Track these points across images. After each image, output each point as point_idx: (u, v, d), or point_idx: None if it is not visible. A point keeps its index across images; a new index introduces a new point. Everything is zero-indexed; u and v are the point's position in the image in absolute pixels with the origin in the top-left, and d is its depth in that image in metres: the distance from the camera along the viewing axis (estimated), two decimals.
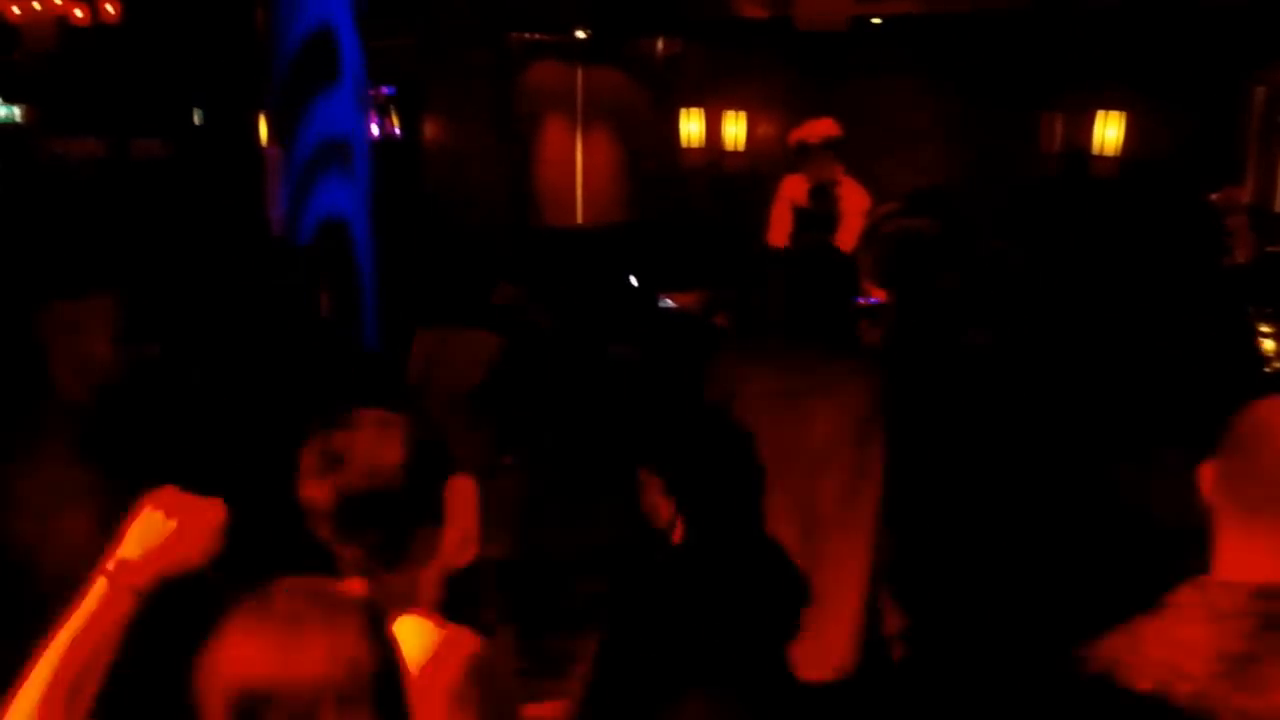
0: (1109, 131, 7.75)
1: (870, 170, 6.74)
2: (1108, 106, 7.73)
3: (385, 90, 9.49)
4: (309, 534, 1.91)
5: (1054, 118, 8.28)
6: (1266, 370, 4.94)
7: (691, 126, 9.32)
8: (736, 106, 9.10)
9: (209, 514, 1.79)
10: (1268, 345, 5.01)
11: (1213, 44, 7.37)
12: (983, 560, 3.51)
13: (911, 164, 8.17)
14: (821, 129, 6.36)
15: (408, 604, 1.82)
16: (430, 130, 9.44)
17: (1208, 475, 1.69)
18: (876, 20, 8.03)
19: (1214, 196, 6.71)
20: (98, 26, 8.97)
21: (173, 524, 1.74)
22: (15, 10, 8.66)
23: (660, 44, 9.84)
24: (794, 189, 6.50)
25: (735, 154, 9.12)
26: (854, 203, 6.35)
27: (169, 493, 1.78)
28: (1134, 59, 7.67)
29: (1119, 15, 7.53)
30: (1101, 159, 7.78)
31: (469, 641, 1.80)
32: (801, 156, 6.37)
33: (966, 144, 8.41)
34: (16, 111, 10.78)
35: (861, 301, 5.34)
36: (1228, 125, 7.66)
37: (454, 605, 1.93)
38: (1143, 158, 7.74)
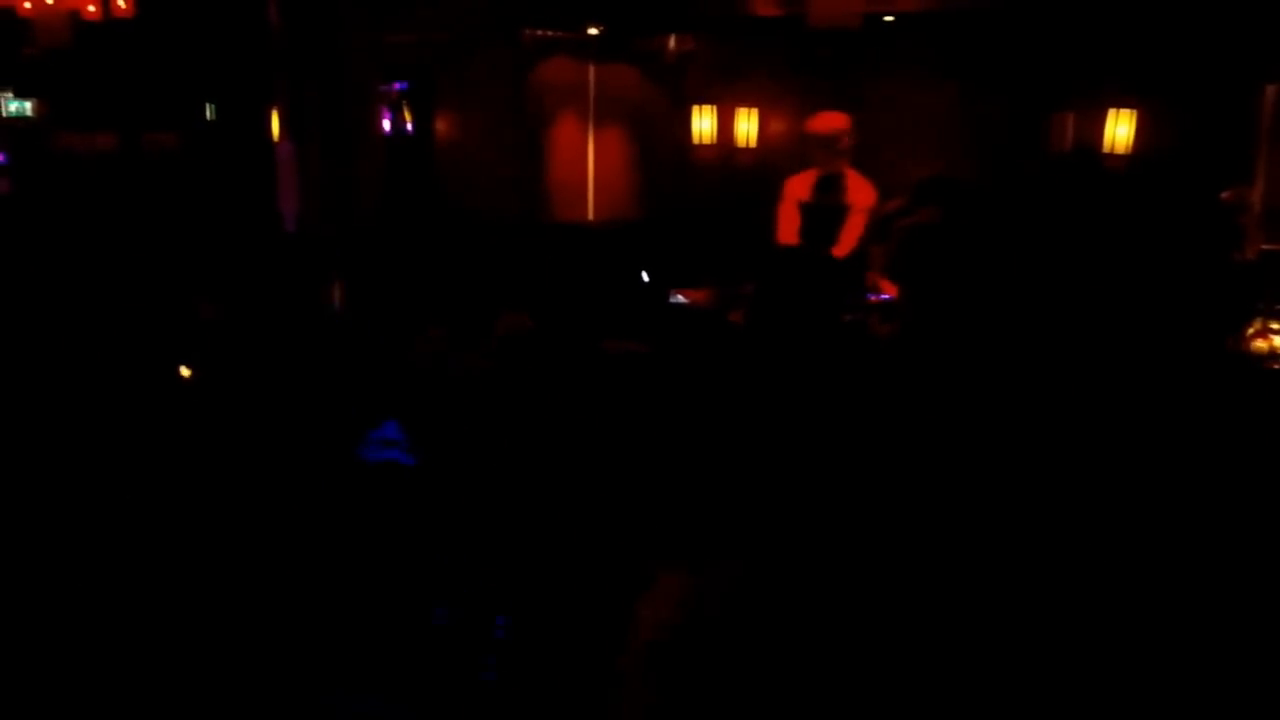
0: (1120, 129, 7.76)
1: (881, 167, 6.78)
2: (1119, 105, 7.74)
3: (397, 86, 9.53)
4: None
5: (1065, 116, 8.29)
6: (1275, 367, 4.96)
7: (703, 123, 9.33)
8: (748, 103, 9.11)
9: None
10: (1277, 342, 5.02)
11: (1224, 43, 7.37)
12: (985, 552, 3.52)
13: (923, 161, 8.19)
14: (834, 122, 6.42)
15: None
16: (442, 126, 9.47)
17: None
18: (889, 18, 8.04)
19: (1224, 195, 6.74)
20: (110, 21, 8.99)
21: None
22: (27, 5, 8.68)
23: (672, 41, 9.85)
24: (798, 187, 6.56)
25: (747, 151, 9.14)
26: (860, 196, 6.41)
27: None
28: (1145, 57, 7.68)
29: (1130, 13, 7.54)
30: (1112, 157, 7.80)
31: None
32: (828, 149, 6.44)
33: (978, 142, 8.43)
34: (28, 106, 10.81)
35: (873, 298, 5.37)
36: (1238, 124, 7.66)
37: None
38: (1153, 156, 7.75)
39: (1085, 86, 8.00)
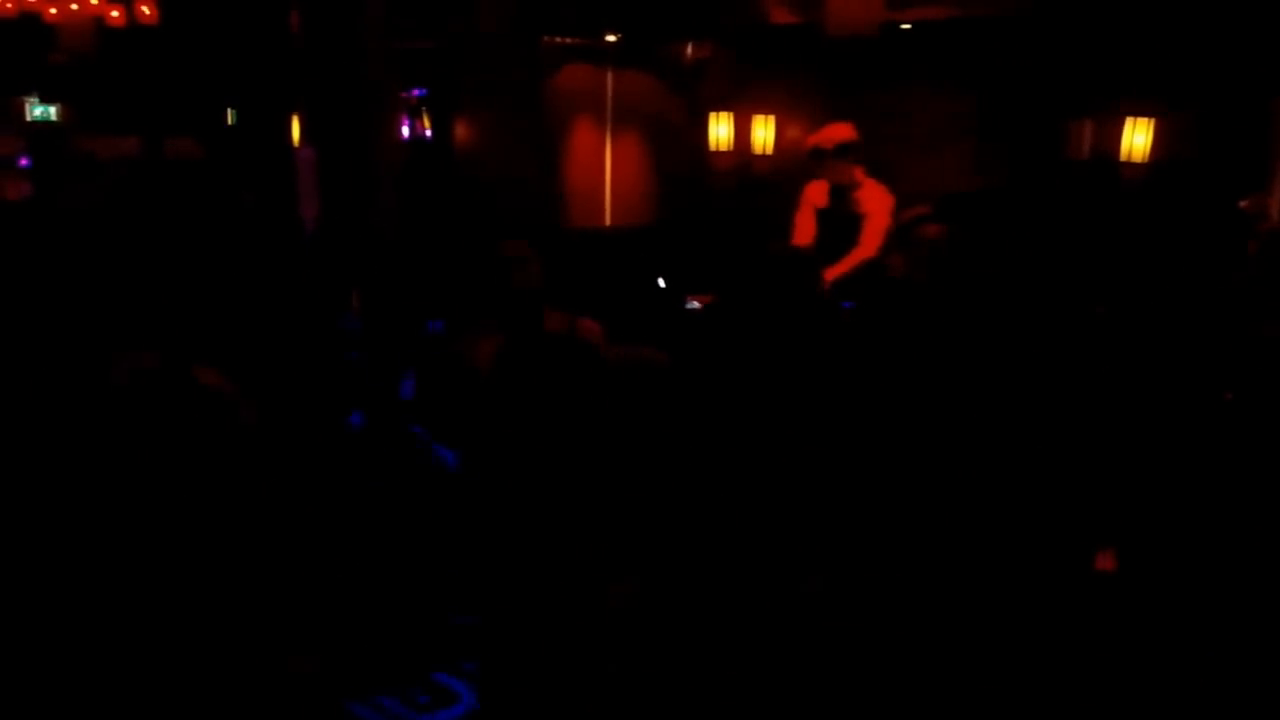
0: (1137, 138, 7.75)
1: (899, 175, 6.78)
2: (1136, 113, 7.74)
3: (416, 91, 9.58)
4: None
5: (1082, 124, 8.28)
6: None
7: (720, 130, 9.35)
8: (765, 110, 9.12)
9: None
10: None
11: (1241, 51, 7.37)
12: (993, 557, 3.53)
13: (940, 169, 8.21)
14: (836, 134, 6.40)
15: None
16: (461, 132, 9.51)
17: None
18: (906, 26, 8.05)
19: (1243, 203, 6.72)
20: (134, 27, 9.07)
21: None
22: (52, 11, 8.77)
23: (690, 48, 9.88)
24: (816, 193, 6.55)
25: (763, 157, 9.15)
26: (876, 203, 6.39)
27: None
28: (1163, 66, 7.67)
29: (1148, 22, 7.54)
30: (1130, 165, 7.79)
31: None
32: (817, 161, 6.43)
33: (995, 150, 8.43)
34: (53, 111, 10.90)
35: None
36: (1256, 132, 7.65)
37: None
38: (1171, 164, 7.74)
39: (1103, 95, 8.00)
